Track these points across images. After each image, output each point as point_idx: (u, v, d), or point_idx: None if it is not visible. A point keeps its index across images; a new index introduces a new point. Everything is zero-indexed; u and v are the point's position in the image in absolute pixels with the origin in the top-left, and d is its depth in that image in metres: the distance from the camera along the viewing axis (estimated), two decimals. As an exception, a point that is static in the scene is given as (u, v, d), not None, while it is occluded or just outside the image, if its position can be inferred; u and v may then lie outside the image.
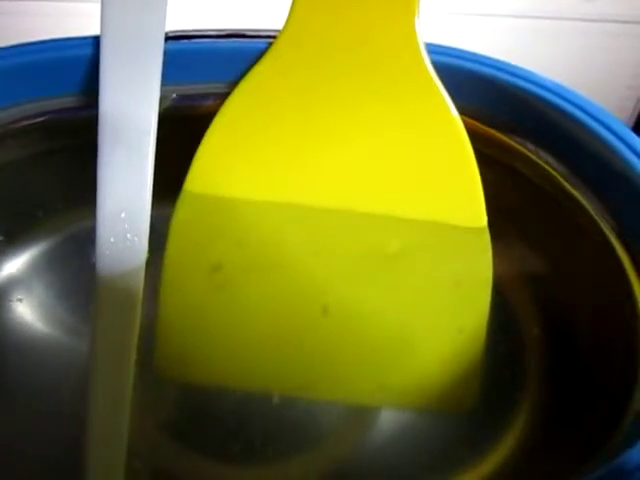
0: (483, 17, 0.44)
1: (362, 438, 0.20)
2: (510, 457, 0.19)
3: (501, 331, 0.22)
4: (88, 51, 0.22)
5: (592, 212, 0.21)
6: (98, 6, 0.22)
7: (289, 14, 0.22)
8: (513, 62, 0.44)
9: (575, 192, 0.22)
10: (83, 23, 0.37)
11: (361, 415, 0.20)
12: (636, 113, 0.49)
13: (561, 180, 0.22)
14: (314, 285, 0.23)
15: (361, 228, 0.23)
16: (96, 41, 0.22)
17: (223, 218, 0.24)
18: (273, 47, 0.22)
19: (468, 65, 0.24)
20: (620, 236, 0.20)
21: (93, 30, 0.31)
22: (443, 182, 0.22)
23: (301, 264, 0.23)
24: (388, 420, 0.20)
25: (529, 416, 0.20)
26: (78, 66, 0.22)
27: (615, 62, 0.46)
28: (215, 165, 0.23)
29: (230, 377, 0.21)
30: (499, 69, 0.24)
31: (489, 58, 0.25)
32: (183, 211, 0.24)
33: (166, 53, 0.22)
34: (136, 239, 0.23)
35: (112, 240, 0.22)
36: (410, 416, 0.20)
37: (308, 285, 0.23)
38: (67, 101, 0.23)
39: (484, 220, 0.23)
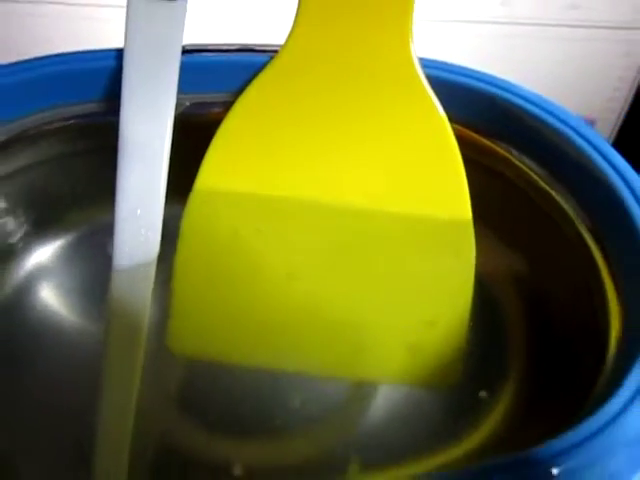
0: (468, 24, 0.46)
1: (362, 414, 0.22)
2: (497, 429, 0.21)
3: (486, 318, 0.24)
4: (113, 62, 0.24)
5: (569, 212, 0.23)
6: (110, 11, 0.24)
7: (291, 29, 0.24)
8: (500, 67, 0.47)
9: (554, 193, 0.24)
10: (98, 27, 0.40)
11: (360, 392, 0.22)
12: (623, 115, 0.51)
13: (542, 183, 0.24)
14: (307, 274, 0.25)
15: (355, 221, 0.25)
16: (120, 53, 0.24)
17: (229, 213, 0.26)
18: (277, 57, 0.24)
19: (460, 79, 0.26)
20: (593, 233, 0.22)
21: (106, 34, 0.34)
22: (431, 178, 0.24)
23: (298, 254, 0.25)
24: (385, 398, 0.22)
25: (513, 391, 0.21)
26: (104, 75, 0.25)
27: (602, 66, 0.48)
28: (223, 165, 0.25)
29: (238, 355, 0.23)
30: (487, 82, 0.26)
31: (479, 72, 0.27)
32: (193, 208, 0.26)
33: (182, 65, 0.23)
34: (150, 234, 0.25)
35: (128, 234, 0.24)
36: (404, 393, 0.22)
37: (302, 274, 0.25)
38: (93, 106, 0.25)
39: (469, 213, 0.25)
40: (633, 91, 0.49)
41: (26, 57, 0.25)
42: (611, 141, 0.52)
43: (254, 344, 0.23)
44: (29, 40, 0.43)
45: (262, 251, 0.25)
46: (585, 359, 0.20)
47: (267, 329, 0.23)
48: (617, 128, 0.52)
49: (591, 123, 0.52)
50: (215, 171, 0.26)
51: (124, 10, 0.24)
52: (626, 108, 0.50)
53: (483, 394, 0.21)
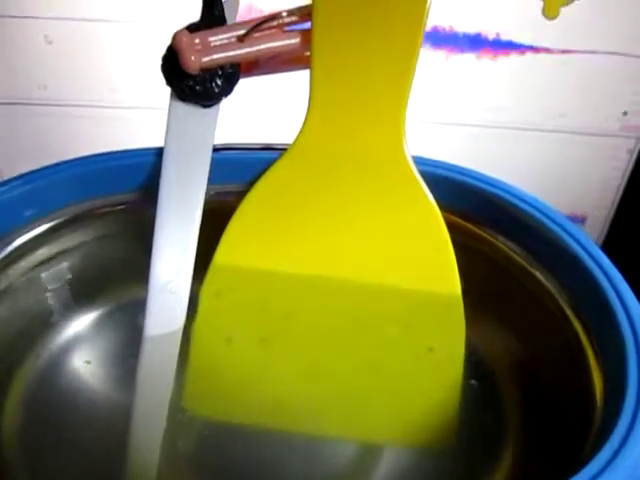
0: (466, 127, 0.50)
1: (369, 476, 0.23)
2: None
3: (482, 387, 0.26)
4: (152, 159, 0.28)
5: (551, 289, 0.26)
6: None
7: (301, 127, 0.27)
8: (499, 167, 0.51)
9: (537, 273, 0.27)
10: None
11: (368, 455, 0.24)
12: (612, 212, 0.54)
13: (526, 265, 0.28)
14: (312, 346, 0.27)
15: (353, 297, 0.28)
16: (158, 151, 0.28)
17: (242, 285, 0.29)
18: (287, 152, 0.27)
19: (451, 174, 0.30)
20: (573, 307, 0.25)
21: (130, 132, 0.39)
22: (423, 257, 0.27)
23: (303, 327, 0.28)
24: (392, 460, 0.24)
25: (513, 453, 0.24)
26: (144, 169, 0.28)
27: (591, 167, 0.52)
28: (238, 243, 0.28)
29: (247, 416, 0.25)
30: (475, 178, 0.30)
31: (469, 169, 0.31)
32: (210, 283, 0.28)
33: (212, 161, 0.27)
34: (178, 307, 0.27)
35: (159, 307, 0.27)
36: (412, 457, 0.24)
37: (307, 346, 0.27)
38: (133, 195, 0.29)
39: (458, 288, 0.27)
40: (621, 190, 0.53)
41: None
42: (603, 235, 0.56)
43: (263, 407, 0.25)
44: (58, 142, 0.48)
45: (272, 321, 0.28)
46: (576, 414, 0.22)
47: (275, 394, 0.25)
48: (608, 224, 0.55)
49: (582, 220, 0.56)
50: (231, 249, 0.29)
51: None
52: (615, 206, 0.54)
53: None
